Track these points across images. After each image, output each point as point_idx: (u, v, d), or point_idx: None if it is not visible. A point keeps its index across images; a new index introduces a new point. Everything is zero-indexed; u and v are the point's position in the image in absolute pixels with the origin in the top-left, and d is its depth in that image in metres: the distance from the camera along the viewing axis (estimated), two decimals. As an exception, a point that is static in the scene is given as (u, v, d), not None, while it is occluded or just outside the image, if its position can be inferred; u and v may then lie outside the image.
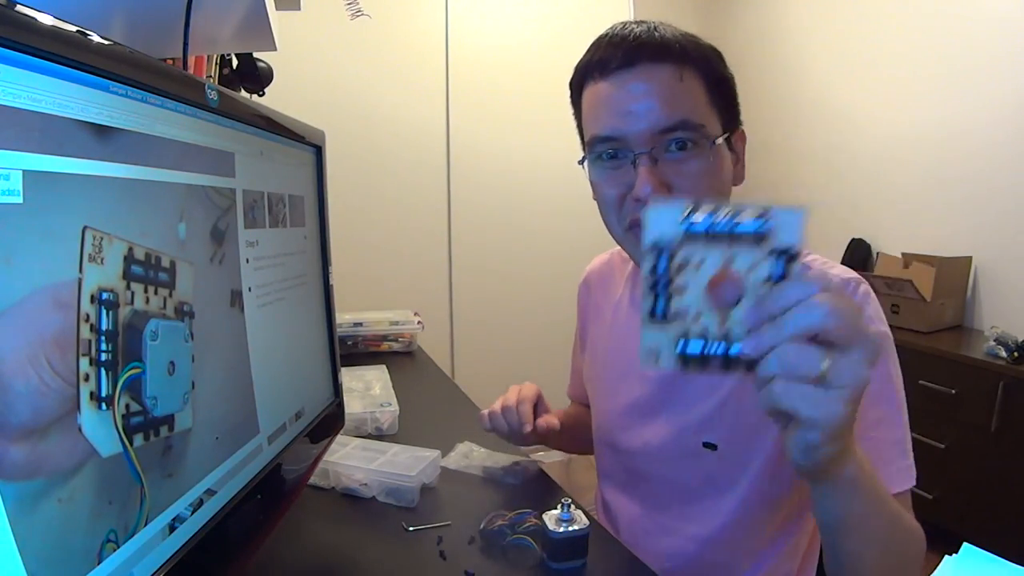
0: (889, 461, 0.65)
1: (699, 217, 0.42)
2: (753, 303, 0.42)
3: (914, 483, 0.66)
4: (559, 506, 0.69)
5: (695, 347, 0.43)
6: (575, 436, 1.01)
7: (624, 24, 0.69)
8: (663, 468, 0.80)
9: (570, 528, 0.67)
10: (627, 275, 0.89)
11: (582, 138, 0.76)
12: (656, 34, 0.67)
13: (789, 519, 0.76)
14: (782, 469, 0.72)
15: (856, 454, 0.49)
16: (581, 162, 0.74)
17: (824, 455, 0.44)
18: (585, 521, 0.68)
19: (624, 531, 0.86)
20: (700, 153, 0.67)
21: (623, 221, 0.71)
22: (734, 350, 0.43)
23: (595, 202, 0.75)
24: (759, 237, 0.42)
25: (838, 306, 0.40)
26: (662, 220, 0.43)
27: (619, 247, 0.81)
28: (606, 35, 0.70)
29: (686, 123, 0.65)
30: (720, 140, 0.68)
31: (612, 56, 0.67)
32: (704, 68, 0.68)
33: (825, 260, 0.75)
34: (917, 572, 0.60)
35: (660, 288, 0.43)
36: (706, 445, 0.75)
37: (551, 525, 0.67)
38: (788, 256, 0.42)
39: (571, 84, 0.75)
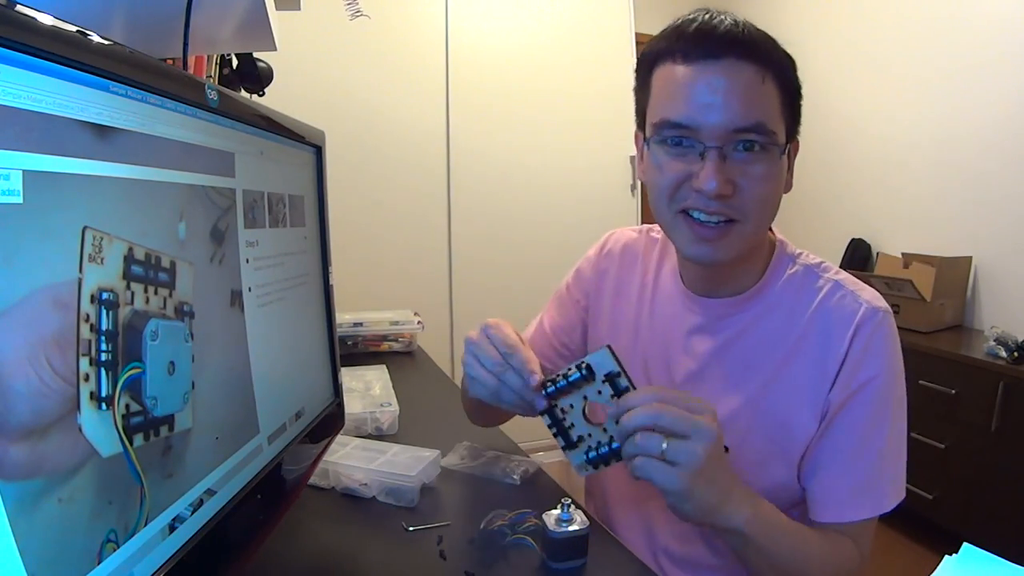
0: (854, 493, 0.70)
1: (550, 386, 0.65)
2: (611, 414, 0.63)
3: (882, 511, 0.70)
4: (559, 506, 0.69)
5: (593, 454, 0.65)
6: None
7: (709, 12, 0.67)
8: None
9: (570, 528, 0.67)
10: (654, 260, 0.87)
11: (640, 115, 0.74)
12: (745, 32, 0.65)
13: None
14: (785, 489, 0.73)
15: (746, 512, 0.61)
16: (646, 142, 0.72)
17: (686, 511, 0.59)
18: (585, 521, 0.68)
19: (614, 516, 0.87)
20: (767, 158, 0.66)
21: (674, 206, 0.69)
22: (615, 446, 0.63)
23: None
24: (590, 376, 0.64)
25: (668, 411, 0.58)
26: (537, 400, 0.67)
27: (647, 228, 0.90)
28: (692, 20, 0.67)
29: (760, 126, 0.65)
30: (785, 149, 0.68)
31: (698, 44, 0.65)
32: (782, 74, 0.67)
33: (856, 283, 0.74)
34: None
35: (559, 431, 0.66)
36: None
37: (551, 525, 0.67)
38: (612, 377, 0.63)
39: (641, 59, 0.73)
